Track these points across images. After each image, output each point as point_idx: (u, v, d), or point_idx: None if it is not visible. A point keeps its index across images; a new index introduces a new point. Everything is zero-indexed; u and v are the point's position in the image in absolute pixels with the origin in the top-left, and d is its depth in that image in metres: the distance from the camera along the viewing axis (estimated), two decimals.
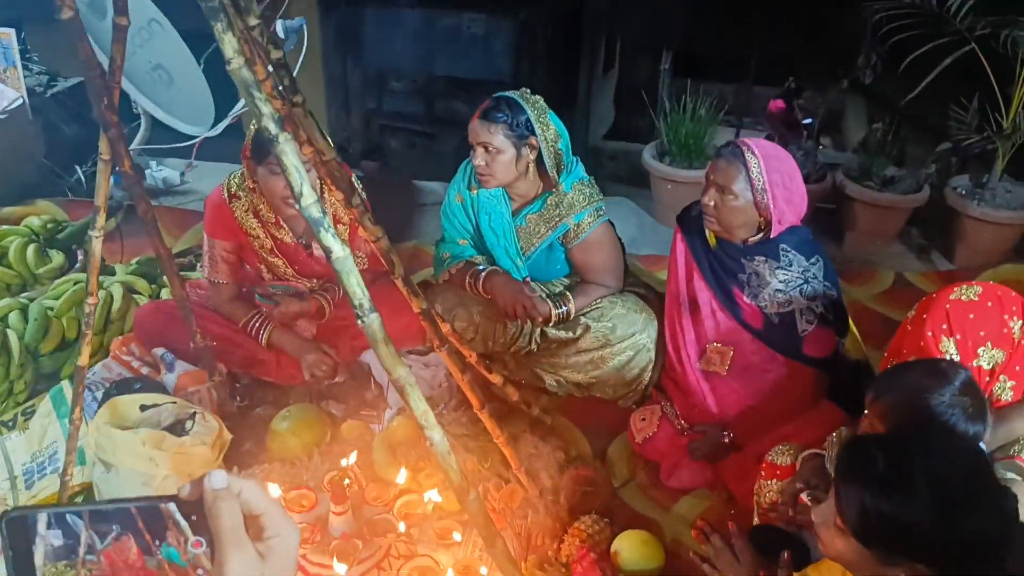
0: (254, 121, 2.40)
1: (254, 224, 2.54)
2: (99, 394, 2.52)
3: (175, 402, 2.30)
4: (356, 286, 1.31)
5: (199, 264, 3.22)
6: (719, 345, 2.43)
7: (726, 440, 2.35)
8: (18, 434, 2.44)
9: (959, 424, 1.55)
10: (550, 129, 2.53)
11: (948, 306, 1.78)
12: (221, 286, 2.63)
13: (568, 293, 2.68)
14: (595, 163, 4.25)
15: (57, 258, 2.96)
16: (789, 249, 2.31)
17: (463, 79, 4.28)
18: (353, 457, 2.10)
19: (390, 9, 3.90)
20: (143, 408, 2.25)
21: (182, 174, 4.06)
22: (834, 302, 2.32)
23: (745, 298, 2.37)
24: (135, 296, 2.81)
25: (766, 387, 2.36)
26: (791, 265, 2.31)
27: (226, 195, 2.55)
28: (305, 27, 3.46)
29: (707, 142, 3.75)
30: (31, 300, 2.70)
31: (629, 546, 2.02)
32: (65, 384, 2.54)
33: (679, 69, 4.43)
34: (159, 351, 2.55)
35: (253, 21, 1.30)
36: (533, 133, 2.50)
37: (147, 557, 0.98)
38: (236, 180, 2.57)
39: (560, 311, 2.64)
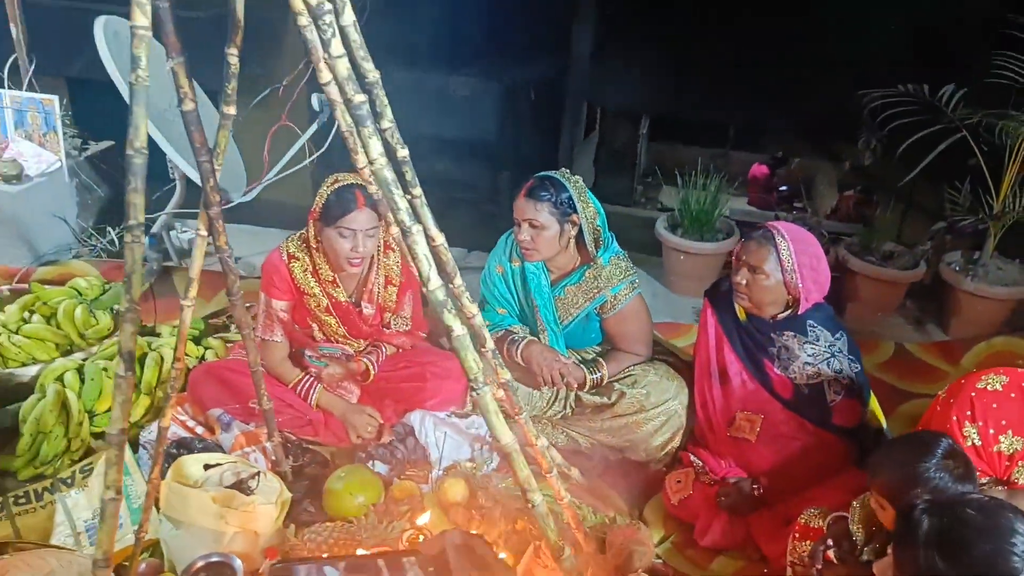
0: (325, 186, 2.58)
1: (312, 283, 2.68)
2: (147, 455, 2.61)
3: (235, 462, 2.40)
4: (472, 362, 1.46)
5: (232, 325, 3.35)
6: (749, 413, 2.59)
7: (756, 492, 2.49)
8: (77, 491, 2.51)
9: (948, 486, 1.71)
10: (589, 207, 2.71)
11: (974, 394, 1.95)
12: (275, 345, 2.75)
13: (601, 360, 2.84)
14: None
15: (104, 319, 3.06)
16: (816, 325, 2.50)
17: (450, 139, 4.43)
18: (427, 517, 2.20)
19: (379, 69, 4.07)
20: (206, 467, 2.35)
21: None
22: (857, 374, 2.50)
23: (776, 370, 2.54)
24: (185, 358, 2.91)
25: (795, 452, 2.51)
26: (818, 340, 2.49)
27: (285, 256, 2.70)
28: None
29: (717, 216, 3.97)
30: (84, 360, 2.79)
31: None
32: None
33: (657, 134, 4.68)
34: (216, 411, 2.65)
35: (386, 124, 1.46)
36: (575, 211, 2.68)
37: None
38: (294, 243, 2.73)
39: (594, 376, 2.80)
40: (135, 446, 2.65)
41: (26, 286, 3.31)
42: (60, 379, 2.69)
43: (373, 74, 1.38)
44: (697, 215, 3.93)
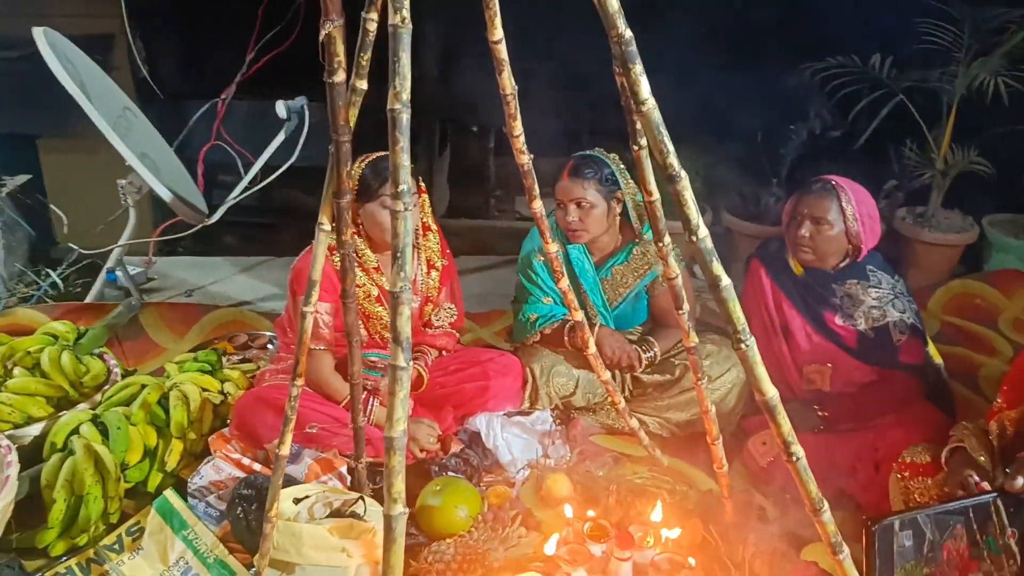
0: (356, 165, 2.42)
1: (357, 272, 2.46)
2: (211, 499, 2.30)
3: (324, 491, 2.15)
4: (739, 312, 1.36)
5: (241, 354, 3.03)
6: (818, 365, 2.63)
7: (820, 415, 2.51)
8: (131, 556, 2.17)
9: None
10: (630, 183, 2.67)
11: None
12: (321, 356, 2.50)
13: (650, 339, 2.78)
14: None
15: (94, 364, 2.67)
16: (875, 269, 2.57)
17: (301, 167, 4.22)
18: (569, 510, 2.05)
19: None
20: (296, 501, 2.09)
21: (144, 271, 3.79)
22: (916, 312, 2.59)
23: (837, 320, 2.59)
24: (207, 393, 2.58)
25: (865, 387, 2.56)
26: (880, 284, 2.56)
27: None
28: (306, 106, 3.40)
29: None
30: (94, 411, 2.42)
31: None
32: (169, 494, 2.28)
33: (504, 148, 4.77)
34: None
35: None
36: (618, 187, 2.63)
37: (972, 548, 1.04)
38: (330, 236, 2.49)
39: (649, 355, 2.74)
40: (184, 495, 2.32)
41: None
42: (74, 435, 2.30)
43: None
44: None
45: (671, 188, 1.29)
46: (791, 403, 2.58)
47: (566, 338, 2.70)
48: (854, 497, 2.49)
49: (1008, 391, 2.16)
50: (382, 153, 2.44)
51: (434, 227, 2.61)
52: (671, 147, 1.26)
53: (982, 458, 2.09)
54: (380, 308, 2.55)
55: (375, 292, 2.53)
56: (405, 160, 1.16)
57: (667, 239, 1.73)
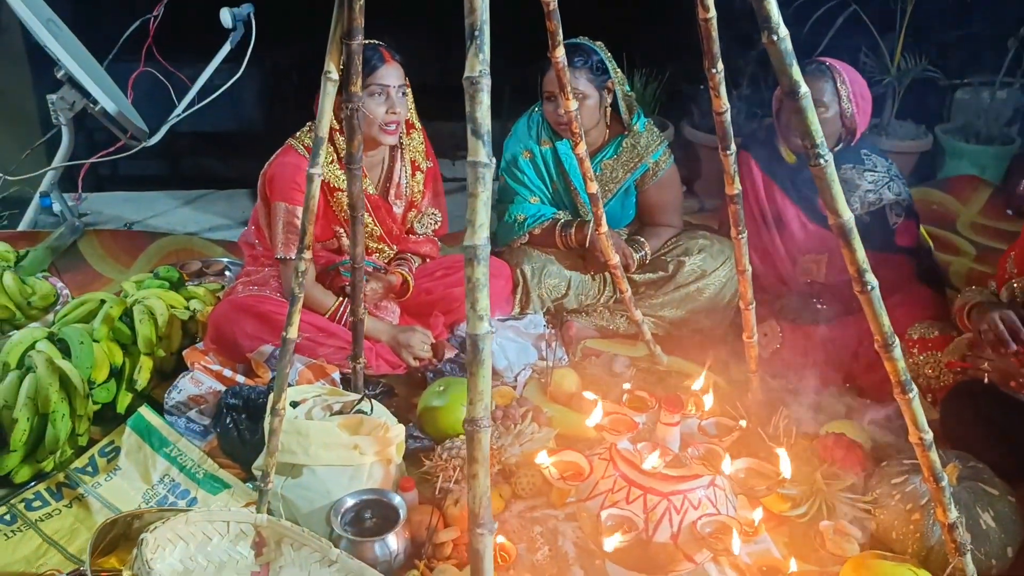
0: None
1: (339, 174, 2.27)
2: (192, 415, 2.10)
3: (320, 394, 1.98)
4: (815, 124, 1.26)
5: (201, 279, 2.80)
6: (813, 255, 2.58)
7: (819, 307, 2.48)
8: (107, 477, 1.95)
9: None
10: (619, 72, 2.55)
11: None
12: None
13: (640, 238, 2.69)
14: None
15: (41, 286, 2.40)
16: (870, 153, 2.53)
17: (211, 133, 3.97)
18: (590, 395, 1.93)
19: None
20: (293, 405, 1.91)
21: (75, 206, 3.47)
22: (909, 194, 2.57)
23: None
24: (173, 310, 2.35)
25: None
26: (876, 167, 2.52)
27: (302, 151, 2.27)
28: (252, 15, 3.14)
29: None
30: (50, 329, 2.17)
31: None
32: (144, 411, 2.07)
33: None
34: (266, 348, 2.18)
35: None
36: (609, 76, 2.50)
37: None
38: (306, 136, 2.32)
39: (640, 255, 2.65)
40: (160, 411, 2.11)
41: None
42: (30, 352, 2.05)
43: None
44: None
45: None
46: (789, 297, 2.57)
47: (558, 237, 2.57)
48: (857, 382, 2.47)
49: (1018, 257, 2.15)
50: (367, 41, 2.24)
51: (418, 125, 2.43)
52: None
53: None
54: (363, 214, 2.36)
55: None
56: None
57: (719, 65, 1.62)
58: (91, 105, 2.99)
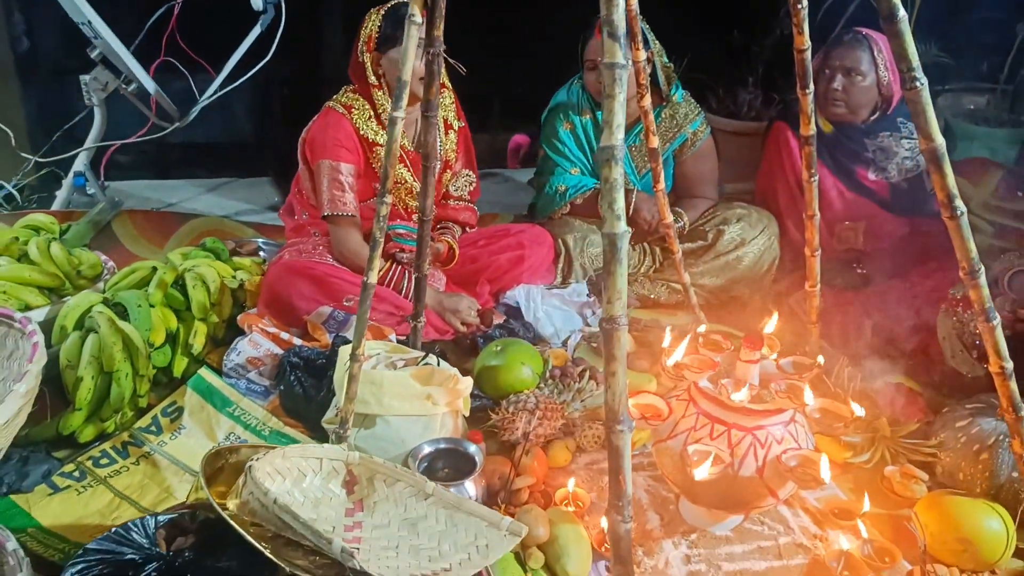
0: (372, 14, 2.32)
1: (378, 130, 2.30)
2: (251, 376, 2.10)
3: (385, 351, 1.98)
4: (911, 48, 1.30)
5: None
6: (850, 223, 2.62)
7: (860, 272, 2.55)
8: (172, 436, 1.95)
9: None
10: (657, 43, 2.58)
11: None
12: (350, 223, 2.33)
13: (678, 209, 2.72)
14: None
15: (88, 256, 2.39)
16: (906, 120, 2.58)
17: (201, 144, 3.94)
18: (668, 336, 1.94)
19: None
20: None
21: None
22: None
23: (871, 175, 2.59)
24: (222, 278, 2.35)
25: (899, 239, 2.58)
26: (912, 133, 2.57)
27: (341, 109, 2.30)
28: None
29: None
30: (104, 295, 2.16)
31: None
32: (204, 372, 2.08)
33: None
34: (325, 310, 2.18)
35: None
36: (649, 47, 2.54)
37: None
38: (344, 96, 2.37)
39: (679, 224, 2.68)
40: (219, 374, 2.11)
41: None
42: (87, 315, 2.04)
43: None
44: None
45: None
46: (830, 263, 2.60)
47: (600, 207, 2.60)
48: (898, 344, 2.50)
49: None
50: (398, 0, 2.27)
51: (449, 85, 2.46)
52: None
53: None
54: (404, 169, 2.39)
55: (398, 152, 2.36)
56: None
57: (804, 2, 1.65)
58: (123, 86, 2.99)
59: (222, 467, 1.43)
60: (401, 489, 1.47)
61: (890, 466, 1.85)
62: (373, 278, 1.63)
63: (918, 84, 1.32)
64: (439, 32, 1.62)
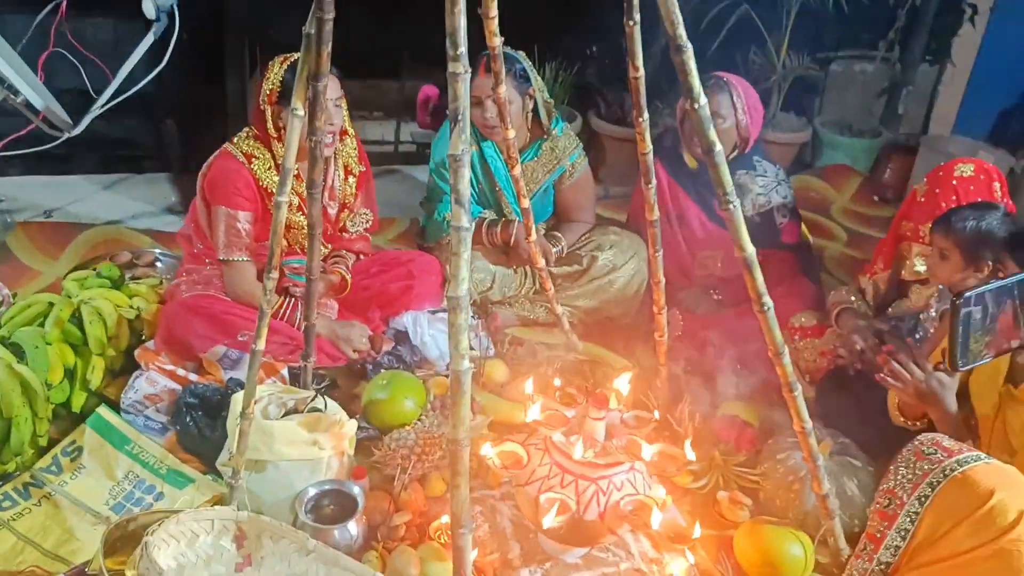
0: (273, 66, 2.40)
1: (276, 179, 2.41)
2: (149, 413, 2.23)
3: (275, 392, 2.15)
4: (727, 176, 1.52)
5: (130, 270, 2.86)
6: (710, 251, 2.90)
7: (715, 297, 2.86)
8: (73, 476, 2.08)
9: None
10: (539, 80, 2.76)
11: (955, 182, 2.37)
12: (244, 266, 2.45)
13: (556, 233, 2.94)
14: None
15: None
16: (761, 160, 2.84)
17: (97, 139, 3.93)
18: (530, 385, 2.16)
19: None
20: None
21: None
22: (794, 197, 2.90)
23: None
24: (119, 309, 2.45)
25: None
26: (766, 172, 2.84)
27: (241, 157, 2.40)
28: (176, 7, 3.16)
29: None
30: (2, 334, 2.24)
31: None
32: (102, 411, 2.20)
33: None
34: (219, 350, 2.31)
35: None
36: (530, 83, 2.71)
37: (1015, 319, 1.27)
38: (244, 142, 2.45)
39: (558, 249, 2.90)
40: (115, 408, 2.23)
41: None
42: None
43: None
44: None
45: (676, 59, 1.40)
46: (689, 290, 2.88)
47: (484, 235, 2.79)
48: (748, 365, 2.80)
49: (884, 253, 2.52)
50: (298, 54, 2.37)
51: (351, 131, 2.58)
52: (680, 18, 1.38)
53: (868, 313, 2.47)
54: (300, 216, 2.51)
55: (295, 200, 2.49)
56: (462, 23, 1.19)
57: (646, 115, 1.85)
58: (12, 96, 2.97)
59: (121, 536, 1.58)
60: (286, 545, 1.66)
61: (722, 491, 2.14)
62: (261, 345, 1.78)
63: (731, 207, 1.55)
64: (320, 123, 1.75)
